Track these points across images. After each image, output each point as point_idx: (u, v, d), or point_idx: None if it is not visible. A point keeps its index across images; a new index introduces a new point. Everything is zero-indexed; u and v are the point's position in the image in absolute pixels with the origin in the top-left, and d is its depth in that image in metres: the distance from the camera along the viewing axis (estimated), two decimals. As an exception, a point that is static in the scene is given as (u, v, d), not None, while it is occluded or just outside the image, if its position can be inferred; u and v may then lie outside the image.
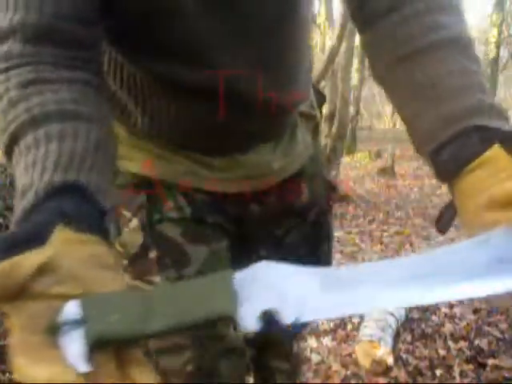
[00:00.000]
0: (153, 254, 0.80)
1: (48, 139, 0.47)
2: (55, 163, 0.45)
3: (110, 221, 0.46)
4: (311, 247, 0.96)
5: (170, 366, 0.81)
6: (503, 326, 2.19)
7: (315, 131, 0.94)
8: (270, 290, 0.39)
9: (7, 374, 1.69)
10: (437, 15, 0.59)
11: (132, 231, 0.80)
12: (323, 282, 0.40)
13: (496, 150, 0.47)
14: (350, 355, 1.90)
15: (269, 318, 0.37)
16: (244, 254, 0.92)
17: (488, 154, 0.48)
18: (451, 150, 0.50)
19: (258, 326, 0.37)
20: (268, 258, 0.91)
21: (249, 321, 0.37)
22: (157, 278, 0.79)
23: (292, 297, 0.39)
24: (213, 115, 0.74)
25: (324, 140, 5.26)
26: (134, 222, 0.80)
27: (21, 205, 0.43)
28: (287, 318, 0.38)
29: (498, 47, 13.83)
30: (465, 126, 0.50)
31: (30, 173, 0.45)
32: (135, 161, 0.82)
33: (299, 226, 0.95)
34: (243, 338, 1.10)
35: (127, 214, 0.81)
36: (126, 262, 0.81)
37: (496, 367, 1.83)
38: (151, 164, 0.81)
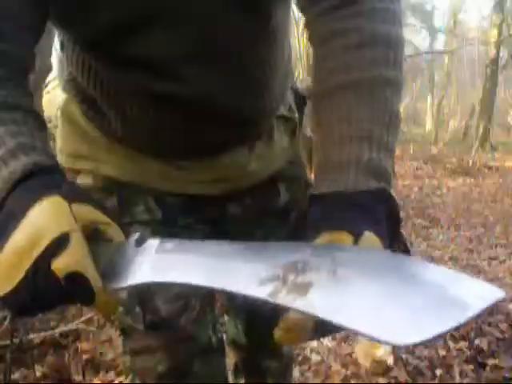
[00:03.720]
0: None
1: None
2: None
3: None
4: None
5: (142, 367, 0.82)
6: (503, 325, 2.19)
7: (293, 134, 0.94)
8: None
9: (7, 374, 1.69)
10: (363, 50, 0.62)
11: None
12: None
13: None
14: (350, 355, 1.90)
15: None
16: None
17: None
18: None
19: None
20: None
21: None
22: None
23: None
24: (180, 122, 0.75)
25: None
26: None
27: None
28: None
29: (497, 47, 13.82)
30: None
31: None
32: (107, 163, 0.82)
33: (280, 229, 0.95)
34: (229, 339, 1.11)
35: None
36: None
37: (496, 367, 1.83)
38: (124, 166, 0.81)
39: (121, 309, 0.79)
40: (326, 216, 0.57)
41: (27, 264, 0.43)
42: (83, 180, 0.83)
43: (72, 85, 0.81)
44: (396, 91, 0.63)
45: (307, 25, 0.69)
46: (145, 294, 0.80)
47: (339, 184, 0.58)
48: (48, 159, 0.51)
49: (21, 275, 0.43)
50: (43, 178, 0.48)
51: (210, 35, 0.67)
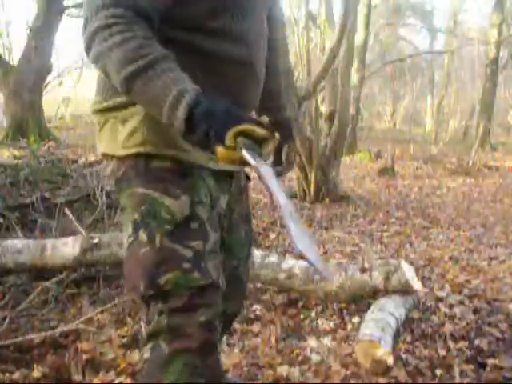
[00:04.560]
0: (194, 226, 1.02)
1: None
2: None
3: None
4: (247, 219, 1.30)
5: (181, 321, 0.97)
6: (503, 325, 2.19)
7: None
8: None
9: (7, 374, 1.69)
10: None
11: (182, 204, 1.01)
12: None
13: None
14: (350, 355, 1.90)
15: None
16: None
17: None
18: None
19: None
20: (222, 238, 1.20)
21: None
22: (194, 243, 1.01)
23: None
24: (239, 79, 1.08)
25: (324, 140, 5.26)
26: (184, 198, 1.01)
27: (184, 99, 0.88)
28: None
29: (497, 47, 13.80)
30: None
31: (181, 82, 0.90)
32: (186, 150, 1.03)
33: (241, 203, 1.26)
34: None
35: (175, 190, 1.01)
36: (169, 226, 1.00)
37: (496, 367, 1.83)
38: None
39: (187, 265, 0.98)
40: (288, 132, 1.33)
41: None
42: (160, 163, 1.03)
43: None
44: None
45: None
46: (204, 255, 1.01)
47: (290, 112, 1.38)
48: (200, 92, 0.89)
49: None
50: (206, 103, 0.87)
51: (263, 23, 1.17)
